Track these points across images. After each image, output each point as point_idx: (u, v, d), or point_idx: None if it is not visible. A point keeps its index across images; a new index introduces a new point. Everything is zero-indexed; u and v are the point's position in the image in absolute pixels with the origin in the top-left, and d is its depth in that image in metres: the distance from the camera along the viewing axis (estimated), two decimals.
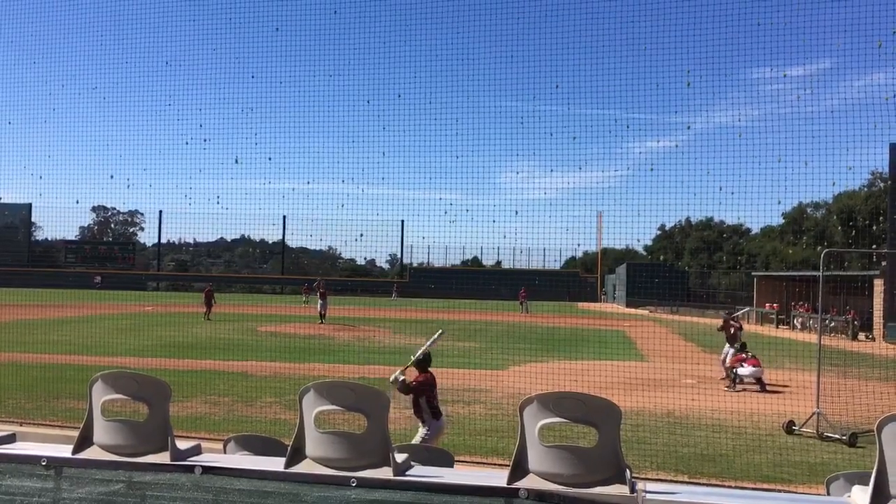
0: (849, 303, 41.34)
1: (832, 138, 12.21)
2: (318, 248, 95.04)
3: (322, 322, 34.85)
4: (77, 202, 67.00)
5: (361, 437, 2.87)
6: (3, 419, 11.82)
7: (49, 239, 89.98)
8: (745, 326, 25.95)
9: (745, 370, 18.14)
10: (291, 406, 13.23)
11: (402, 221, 75.40)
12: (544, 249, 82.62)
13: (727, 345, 19.57)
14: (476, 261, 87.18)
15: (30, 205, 79.25)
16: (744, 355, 18.53)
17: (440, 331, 9.32)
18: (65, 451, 3.04)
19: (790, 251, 65.07)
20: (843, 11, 11.80)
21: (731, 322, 19.95)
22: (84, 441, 3.05)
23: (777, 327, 43.65)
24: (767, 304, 50.16)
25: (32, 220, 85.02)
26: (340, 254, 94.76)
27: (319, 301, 36.04)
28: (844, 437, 12.17)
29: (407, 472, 2.83)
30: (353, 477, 2.75)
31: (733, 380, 18.19)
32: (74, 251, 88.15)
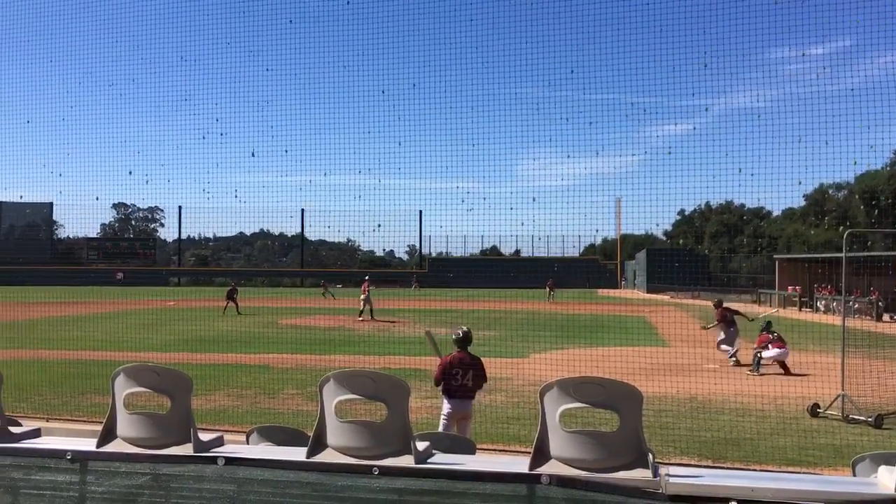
0: (873, 284, 40.88)
1: (853, 117, 12.02)
2: (336, 240, 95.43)
3: (360, 316, 34.10)
4: (97, 199, 67.73)
5: (382, 426, 2.88)
6: (30, 415, 11.96)
7: (71, 237, 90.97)
8: (767, 310, 26.15)
9: (770, 352, 17.93)
10: (314, 397, 13.27)
11: (420, 212, 75.43)
12: (563, 237, 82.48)
13: (722, 333, 20.22)
14: (495, 250, 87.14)
15: (51, 203, 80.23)
16: (770, 336, 18.28)
17: (426, 330, 9.71)
18: (89, 444, 3.06)
19: (812, 233, 64.44)
20: None
21: (725, 311, 20.42)
22: (108, 434, 3.08)
23: (800, 310, 43.25)
24: (790, 287, 49.70)
25: (54, 218, 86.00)
26: (359, 245, 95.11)
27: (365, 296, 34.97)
28: (870, 419, 12.06)
29: (429, 460, 2.84)
30: (375, 466, 2.76)
31: (757, 363, 18.00)
32: (96, 248, 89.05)
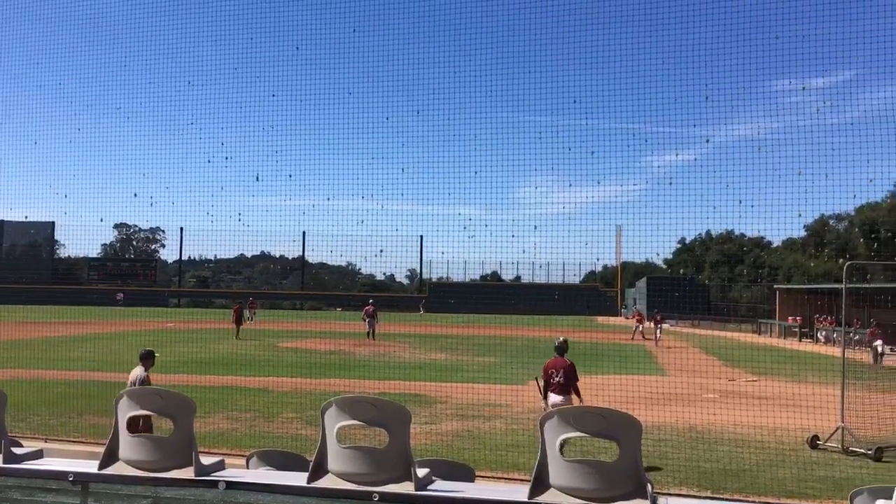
0: (873, 315, 40.81)
1: (853, 150, 12.16)
2: (337, 263, 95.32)
3: (371, 338, 35.06)
4: (101, 220, 67.64)
5: (383, 452, 2.89)
6: (28, 436, 11.92)
7: (72, 256, 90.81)
8: (767, 340, 28.06)
9: (877, 342, 21.46)
10: (312, 421, 13.26)
11: (421, 237, 75.48)
12: (563, 264, 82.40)
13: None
14: (495, 275, 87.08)
15: (53, 223, 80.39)
16: (879, 331, 21.73)
17: (536, 378, 12.13)
18: (91, 466, 3.07)
19: (812, 264, 64.44)
20: (864, 22, 11.76)
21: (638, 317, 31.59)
22: (110, 456, 3.09)
23: (800, 340, 43.16)
24: (790, 318, 49.63)
25: (56, 237, 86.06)
26: (360, 269, 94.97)
27: (368, 319, 36.13)
28: (870, 452, 12.02)
29: (428, 487, 2.85)
30: (376, 492, 2.77)
31: (874, 356, 20.58)
32: (97, 268, 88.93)
